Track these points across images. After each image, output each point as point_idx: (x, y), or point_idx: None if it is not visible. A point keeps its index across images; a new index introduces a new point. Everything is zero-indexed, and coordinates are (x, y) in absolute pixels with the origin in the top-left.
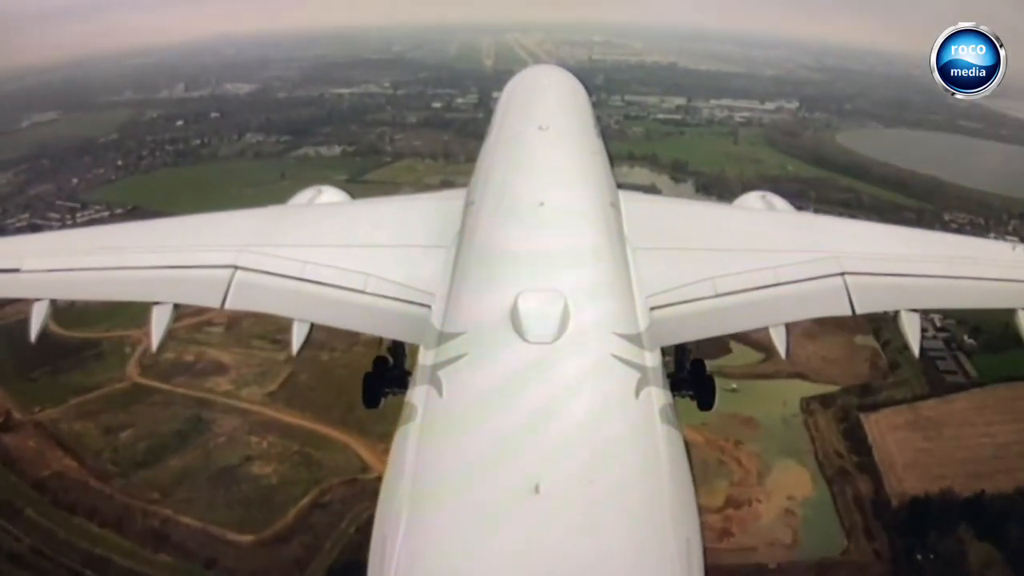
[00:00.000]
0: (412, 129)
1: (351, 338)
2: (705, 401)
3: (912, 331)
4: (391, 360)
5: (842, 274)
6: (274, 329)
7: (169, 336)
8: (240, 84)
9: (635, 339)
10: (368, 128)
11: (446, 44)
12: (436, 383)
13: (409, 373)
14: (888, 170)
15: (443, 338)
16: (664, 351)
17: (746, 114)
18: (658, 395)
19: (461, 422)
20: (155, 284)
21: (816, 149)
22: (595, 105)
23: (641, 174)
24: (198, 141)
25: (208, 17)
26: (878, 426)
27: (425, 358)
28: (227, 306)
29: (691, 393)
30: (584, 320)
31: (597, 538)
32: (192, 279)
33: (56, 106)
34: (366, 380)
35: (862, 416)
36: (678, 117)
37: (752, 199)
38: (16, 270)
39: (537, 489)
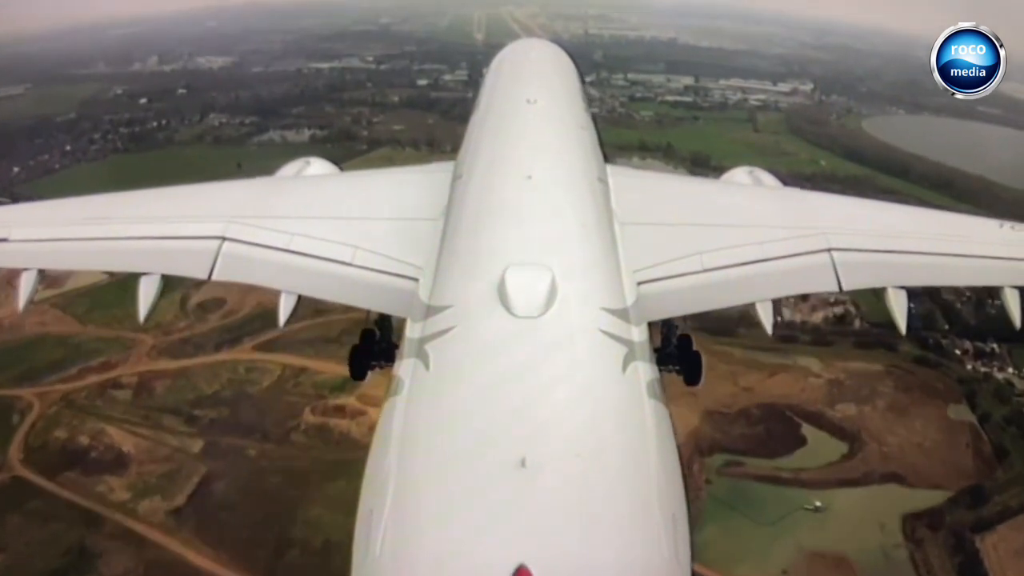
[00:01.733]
0: (393, 110)
1: (289, 420)
2: (691, 376)
3: (899, 308)
4: (378, 333)
5: (829, 250)
6: (191, 400)
7: (65, 403)
8: (214, 57)
9: (622, 314)
10: (344, 108)
11: (437, 16)
12: (423, 356)
13: (396, 346)
14: (928, 166)
15: (430, 311)
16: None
17: (760, 96)
18: (645, 370)
19: (448, 395)
20: (143, 254)
21: (845, 139)
22: (595, 83)
23: (657, 169)
24: (155, 123)
25: None
26: (997, 553)
27: (412, 331)
28: (214, 276)
29: (677, 368)
30: (571, 294)
31: (583, 512)
32: (180, 250)
33: (28, 79)
34: (353, 352)
35: (977, 540)
36: (688, 99)
37: (740, 174)
38: (4, 240)
39: (523, 463)
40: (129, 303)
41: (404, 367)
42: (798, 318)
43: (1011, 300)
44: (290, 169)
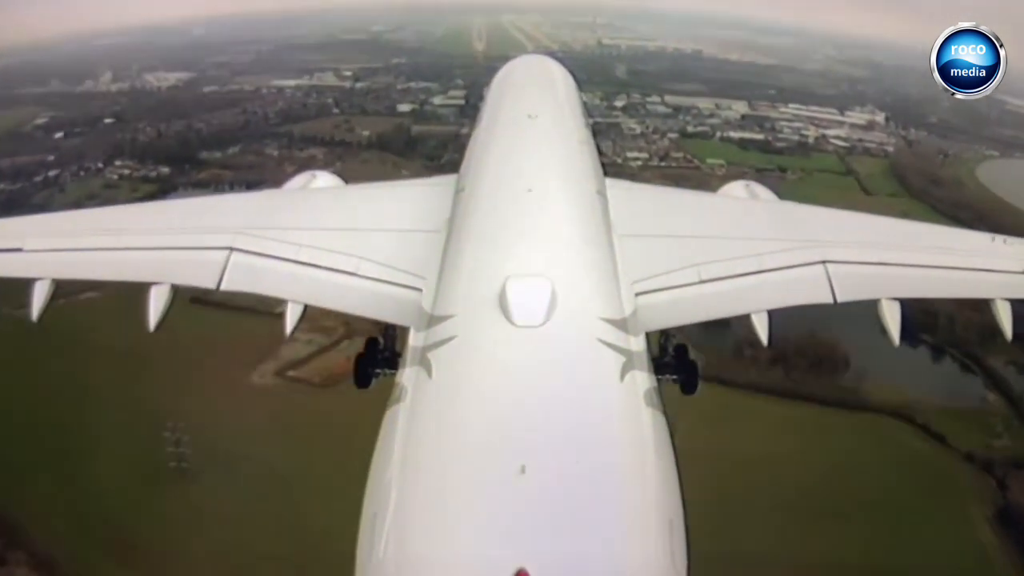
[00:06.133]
0: (357, 154)
1: None
2: (688, 385)
3: (892, 320)
4: (382, 341)
5: (824, 262)
6: None
7: None
8: (166, 74)
9: (620, 324)
10: (292, 149)
11: (434, 25)
12: (425, 364)
13: (400, 354)
14: None
15: (433, 321)
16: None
17: (838, 132)
18: (643, 379)
19: (449, 403)
20: (153, 265)
21: (978, 204)
22: (627, 109)
23: None
24: (45, 175)
25: None
26: None
27: (415, 340)
28: (223, 286)
29: (674, 377)
30: (571, 305)
31: (582, 518)
32: (189, 260)
33: None
34: (358, 361)
35: None
36: (757, 137)
37: (737, 188)
38: (18, 250)
39: (523, 469)
40: None
41: (407, 375)
42: None
43: (1002, 312)
44: (297, 182)
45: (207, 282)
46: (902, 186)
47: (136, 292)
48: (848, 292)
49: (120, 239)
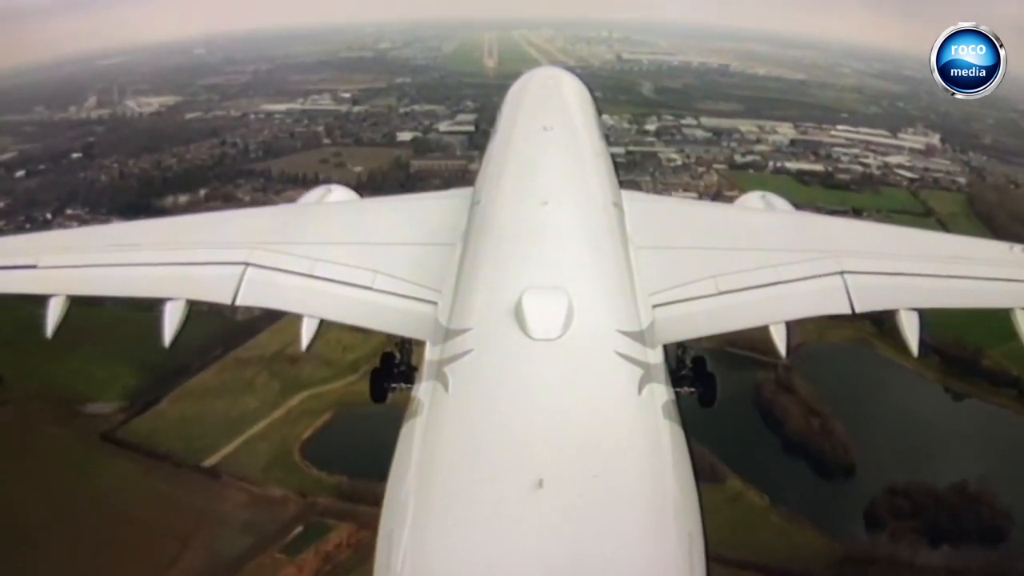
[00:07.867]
0: None
1: None
2: (707, 397)
3: (911, 331)
4: (398, 356)
5: (841, 273)
6: None
7: None
8: (149, 99)
9: (638, 336)
10: (269, 190)
11: (443, 40)
12: (442, 378)
13: (416, 369)
14: None
15: (449, 334)
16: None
17: (899, 159)
18: (660, 391)
19: (466, 417)
20: (168, 281)
21: None
22: (662, 135)
23: None
24: None
25: (208, 12)
26: None
27: (431, 354)
28: (238, 302)
29: (692, 389)
30: (587, 317)
31: (600, 532)
32: (204, 276)
33: None
34: (373, 375)
35: None
36: (816, 168)
37: (753, 199)
38: (33, 266)
39: (541, 484)
40: None
41: (423, 389)
42: None
43: (1021, 322)
44: (312, 196)
45: (222, 297)
46: (990, 230)
47: (39, 418)
48: (866, 303)
49: (134, 255)
